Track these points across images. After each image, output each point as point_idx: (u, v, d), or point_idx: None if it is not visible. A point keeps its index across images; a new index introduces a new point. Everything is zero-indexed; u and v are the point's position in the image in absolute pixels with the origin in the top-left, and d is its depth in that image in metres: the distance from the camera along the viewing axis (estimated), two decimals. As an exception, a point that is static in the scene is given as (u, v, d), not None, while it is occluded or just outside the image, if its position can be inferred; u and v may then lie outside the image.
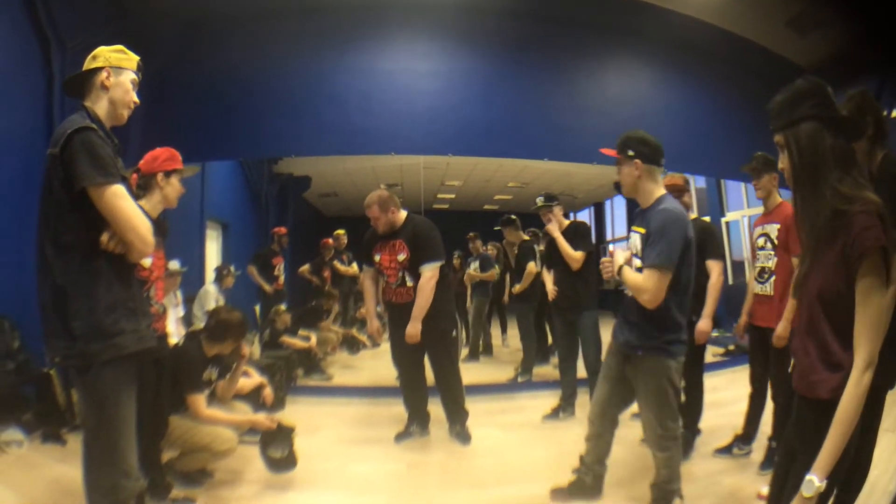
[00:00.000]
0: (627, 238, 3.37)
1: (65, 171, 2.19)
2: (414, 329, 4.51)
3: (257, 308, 7.97)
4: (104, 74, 2.45)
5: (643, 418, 3.28)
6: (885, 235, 1.62)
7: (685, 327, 3.19)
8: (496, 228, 6.79)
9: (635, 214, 3.31)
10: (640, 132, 3.24)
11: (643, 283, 2.99)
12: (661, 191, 3.20)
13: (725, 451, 4.32)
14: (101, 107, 2.44)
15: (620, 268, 3.14)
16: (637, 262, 3.15)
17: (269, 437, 3.88)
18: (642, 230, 3.13)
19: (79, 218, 2.21)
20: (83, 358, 2.20)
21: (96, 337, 2.19)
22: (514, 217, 6.71)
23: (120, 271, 2.31)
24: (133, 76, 2.53)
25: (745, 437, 4.29)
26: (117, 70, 2.48)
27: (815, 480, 1.61)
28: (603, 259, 3.32)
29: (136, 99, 2.54)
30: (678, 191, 4.11)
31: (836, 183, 1.70)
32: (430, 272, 4.52)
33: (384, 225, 4.58)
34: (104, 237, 2.23)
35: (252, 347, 4.31)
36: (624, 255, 3.22)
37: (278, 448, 3.86)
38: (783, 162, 1.85)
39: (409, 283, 4.59)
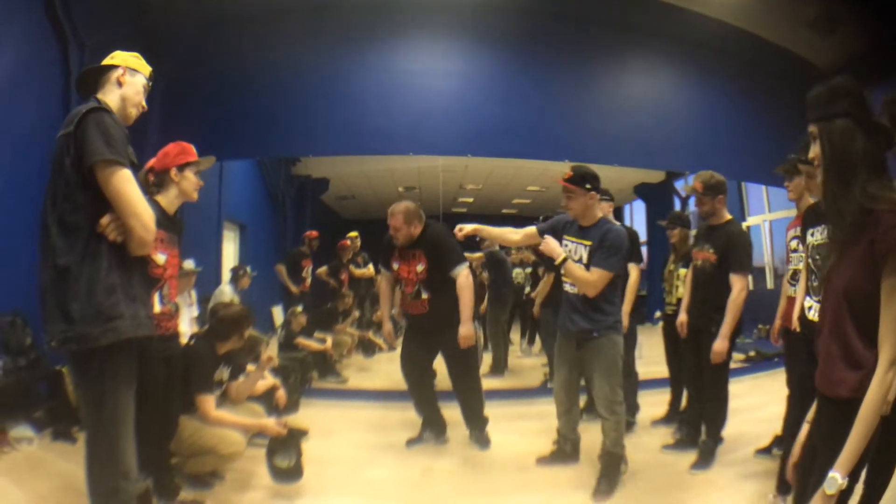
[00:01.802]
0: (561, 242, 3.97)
1: (76, 149, 2.19)
2: (468, 330, 4.46)
3: (275, 309, 7.94)
4: (120, 71, 2.52)
5: (597, 388, 3.89)
6: None
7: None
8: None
9: (573, 227, 3.99)
10: (591, 168, 3.95)
11: (591, 279, 3.74)
12: (601, 213, 3.97)
13: (766, 451, 4.28)
14: (112, 101, 2.47)
15: (565, 259, 3.79)
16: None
17: (276, 444, 3.77)
18: (588, 242, 3.84)
19: (86, 198, 2.20)
20: (80, 341, 2.16)
21: (94, 320, 2.16)
22: None
23: (123, 257, 2.28)
24: (145, 81, 2.62)
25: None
26: (132, 71, 2.56)
27: (837, 478, 1.61)
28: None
29: (144, 103, 2.61)
30: (699, 200, 4.37)
31: (864, 182, 1.70)
32: (463, 275, 4.49)
33: (403, 237, 4.52)
34: (104, 220, 2.21)
35: (268, 350, 4.24)
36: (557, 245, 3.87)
37: (285, 457, 3.74)
38: (814, 152, 1.84)
39: (425, 296, 4.55)
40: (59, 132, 2.24)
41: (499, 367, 7.40)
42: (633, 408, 5.05)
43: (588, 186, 3.82)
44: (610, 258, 3.74)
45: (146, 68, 2.64)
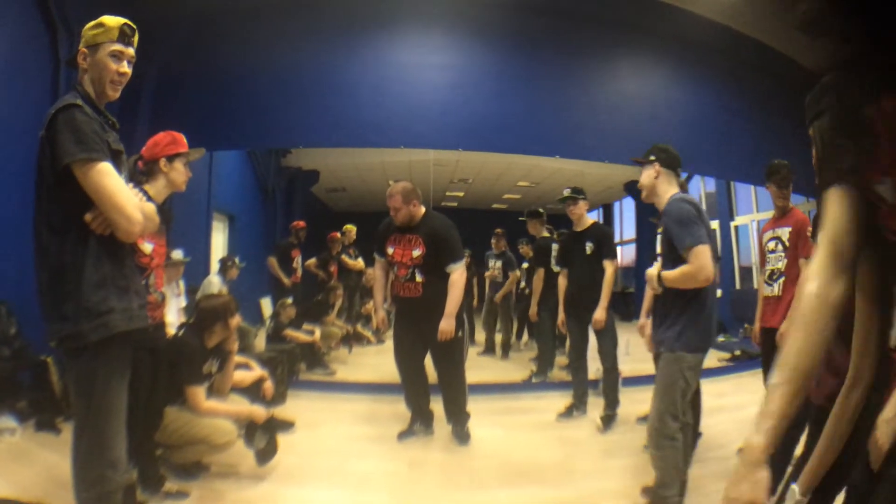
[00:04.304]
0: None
1: (50, 151, 2.15)
2: (448, 325, 4.45)
3: (264, 301, 7.93)
4: (80, 56, 2.36)
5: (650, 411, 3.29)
6: None
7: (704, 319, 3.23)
8: (521, 220, 6.73)
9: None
10: (663, 144, 3.52)
11: (689, 267, 3.06)
12: (674, 190, 3.38)
13: None
14: (87, 85, 2.36)
15: (658, 277, 3.23)
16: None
17: (253, 429, 3.79)
18: (662, 228, 3.30)
19: (68, 197, 2.17)
20: (75, 339, 2.15)
21: (85, 316, 2.15)
22: (541, 210, 6.64)
23: (111, 249, 2.26)
24: (112, 47, 2.35)
25: None
26: (93, 48, 2.35)
27: (796, 492, 1.56)
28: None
29: (120, 70, 2.37)
30: None
31: None
32: (458, 272, 4.52)
33: (403, 217, 4.52)
34: (88, 216, 2.18)
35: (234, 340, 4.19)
36: (654, 269, 3.34)
37: (260, 438, 3.77)
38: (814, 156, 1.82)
39: (419, 279, 4.54)
40: (40, 132, 2.20)
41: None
42: (613, 403, 5.12)
43: (652, 158, 3.45)
44: (682, 237, 3.10)
45: (111, 31, 2.35)
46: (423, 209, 4.62)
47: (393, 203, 4.50)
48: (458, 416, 4.75)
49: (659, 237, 3.40)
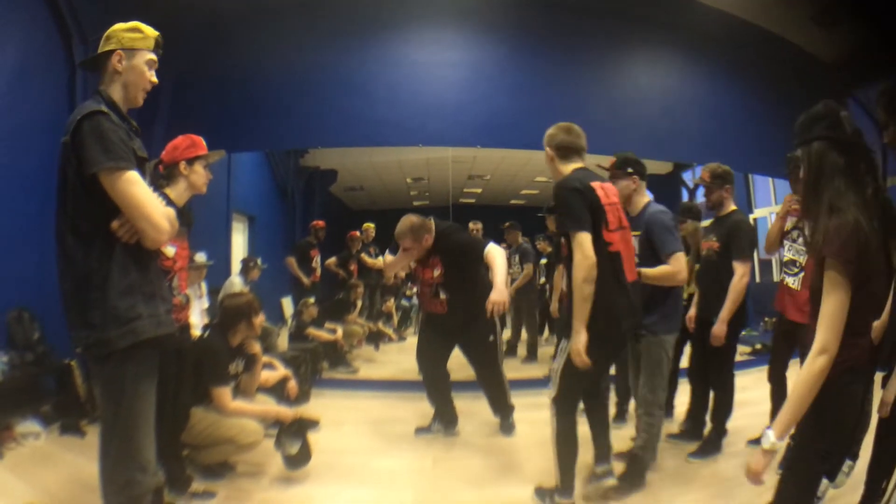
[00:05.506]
0: None
1: (76, 158, 2.12)
2: (499, 295, 4.06)
3: (285, 300, 7.96)
4: (116, 58, 2.32)
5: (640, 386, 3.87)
6: (846, 249, 1.87)
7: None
8: (539, 215, 6.70)
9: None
10: (632, 154, 3.93)
11: (673, 268, 3.63)
12: (647, 199, 3.89)
13: (756, 441, 4.24)
14: (115, 90, 2.33)
15: (640, 272, 3.57)
16: None
17: (283, 432, 3.80)
18: (637, 233, 3.71)
19: (94, 205, 2.14)
20: (102, 346, 2.14)
21: (113, 323, 2.13)
22: None
23: (137, 256, 2.24)
24: (149, 56, 2.38)
25: None
26: (130, 52, 2.33)
27: (770, 435, 1.95)
28: None
29: (152, 80, 2.41)
30: (707, 189, 4.32)
31: (832, 196, 1.97)
32: (491, 253, 4.32)
33: (418, 254, 4.50)
34: (115, 224, 2.16)
35: (257, 341, 4.20)
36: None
37: (292, 443, 3.78)
38: (802, 173, 2.12)
39: (443, 296, 4.54)
40: (62, 138, 2.18)
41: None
42: (626, 397, 5.08)
43: (630, 171, 3.84)
44: (667, 241, 3.66)
45: (148, 39, 2.38)
46: (434, 234, 4.52)
47: (405, 245, 4.47)
48: (503, 410, 4.86)
49: (636, 239, 3.66)
